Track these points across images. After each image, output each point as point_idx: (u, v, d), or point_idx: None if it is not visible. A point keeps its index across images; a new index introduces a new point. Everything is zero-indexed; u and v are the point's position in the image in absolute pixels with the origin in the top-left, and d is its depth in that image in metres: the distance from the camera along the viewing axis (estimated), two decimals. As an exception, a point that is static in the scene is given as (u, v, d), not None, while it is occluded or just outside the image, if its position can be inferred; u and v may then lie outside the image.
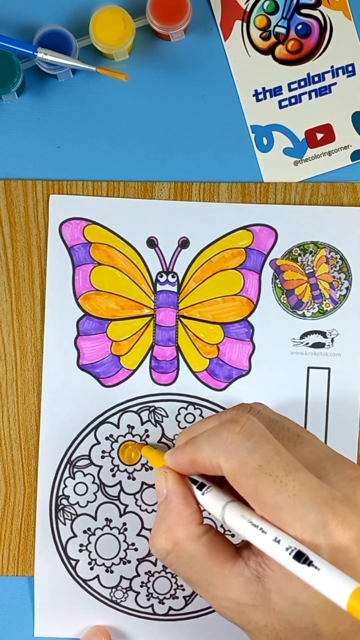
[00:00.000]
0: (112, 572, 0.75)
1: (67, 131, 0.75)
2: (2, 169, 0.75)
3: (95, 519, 0.75)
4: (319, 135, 0.75)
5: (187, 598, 0.75)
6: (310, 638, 0.52)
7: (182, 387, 0.75)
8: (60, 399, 0.74)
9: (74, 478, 0.75)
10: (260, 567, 0.53)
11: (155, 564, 0.75)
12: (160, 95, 0.75)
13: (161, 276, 0.75)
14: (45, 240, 0.74)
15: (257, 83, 0.75)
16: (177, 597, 0.75)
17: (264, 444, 0.53)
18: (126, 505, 0.75)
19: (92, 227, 0.75)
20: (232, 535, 0.71)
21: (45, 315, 0.74)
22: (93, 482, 0.75)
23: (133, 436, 0.75)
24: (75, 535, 0.75)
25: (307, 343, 0.75)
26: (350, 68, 0.75)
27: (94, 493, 0.75)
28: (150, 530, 0.75)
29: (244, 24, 0.74)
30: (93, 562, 0.75)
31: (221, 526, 0.74)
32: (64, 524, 0.75)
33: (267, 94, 0.75)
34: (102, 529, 0.75)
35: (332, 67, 0.75)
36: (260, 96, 0.75)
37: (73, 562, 0.75)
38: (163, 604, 0.75)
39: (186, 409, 0.75)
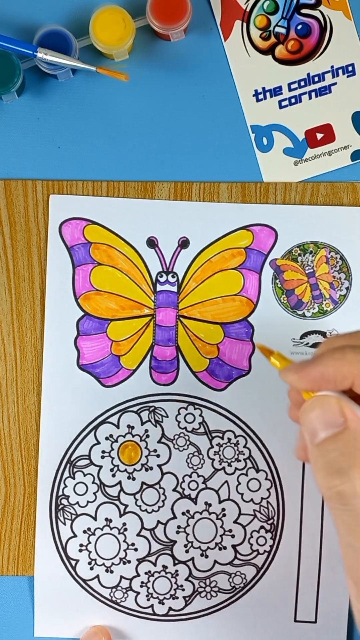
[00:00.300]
0: (112, 572, 0.75)
1: (67, 131, 0.75)
2: (2, 169, 0.75)
3: (95, 519, 0.75)
4: (319, 135, 0.75)
5: (187, 598, 0.75)
6: None
7: (182, 387, 0.75)
8: (60, 399, 0.74)
9: (73, 478, 0.75)
10: None
11: (155, 564, 0.75)
12: (160, 95, 0.75)
13: (161, 276, 0.75)
14: (45, 240, 0.74)
15: (257, 83, 0.75)
16: (177, 597, 0.75)
17: None
18: (126, 505, 0.75)
19: (92, 227, 0.75)
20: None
21: (45, 315, 0.74)
22: (93, 482, 0.75)
23: (133, 436, 0.75)
24: (75, 535, 0.75)
25: (307, 343, 0.75)
26: (350, 68, 0.75)
27: (94, 493, 0.75)
28: (150, 530, 0.75)
29: (244, 24, 0.74)
30: (93, 562, 0.75)
31: None
32: (64, 523, 0.75)
33: (267, 94, 0.75)
34: (102, 529, 0.75)
35: (332, 67, 0.75)
36: (260, 96, 0.75)
37: (73, 562, 0.75)
38: (163, 604, 0.75)
39: (186, 409, 0.75)
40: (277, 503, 0.75)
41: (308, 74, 0.75)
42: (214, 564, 0.75)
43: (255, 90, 0.75)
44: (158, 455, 0.75)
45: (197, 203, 0.74)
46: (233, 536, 0.74)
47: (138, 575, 0.75)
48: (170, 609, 0.75)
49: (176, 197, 0.74)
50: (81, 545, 0.75)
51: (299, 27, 0.75)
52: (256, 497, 0.75)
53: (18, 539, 0.75)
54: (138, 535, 0.75)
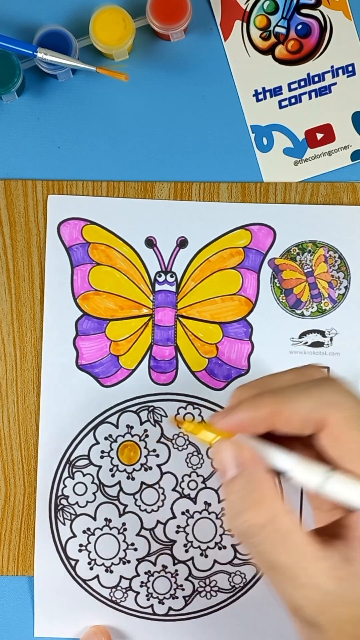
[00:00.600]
0: (111, 572, 0.75)
1: (67, 131, 0.75)
2: (2, 169, 0.75)
3: (94, 519, 0.75)
4: (319, 135, 0.75)
5: (187, 598, 0.75)
6: None
7: (181, 387, 0.75)
8: (60, 399, 0.74)
9: (73, 478, 0.75)
10: (350, 550, 0.50)
11: (155, 564, 0.75)
12: (160, 95, 0.75)
13: (160, 276, 0.75)
14: (45, 241, 0.74)
15: (257, 83, 0.75)
16: (177, 597, 0.75)
17: None
18: (125, 505, 0.75)
19: (91, 227, 0.75)
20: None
21: (44, 315, 0.74)
22: (92, 482, 0.75)
23: (132, 436, 0.75)
24: (74, 535, 0.75)
25: (306, 342, 0.75)
26: (350, 68, 0.75)
27: (94, 493, 0.75)
28: (150, 530, 0.75)
29: (244, 24, 0.74)
30: (93, 562, 0.75)
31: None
32: (64, 524, 0.75)
33: (267, 94, 0.75)
34: (101, 529, 0.75)
35: (332, 67, 0.75)
36: (260, 96, 0.75)
37: (73, 562, 0.75)
38: (163, 604, 0.75)
39: (185, 408, 0.75)
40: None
41: (308, 74, 0.75)
42: (213, 564, 0.75)
43: (255, 90, 0.75)
44: (157, 455, 0.75)
45: (195, 203, 0.74)
46: (233, 535, 0.74)
47: (138, 575, 0.75)
48: (170, 608, 0.75)
49: (176, 197, 0.74)
50: (81, 545, 0.75)
51: (299, 27, 0.75)
52: (256, 497, 0.75)
53: (18, 539, 0.75)
54: (138, 535, 0.75)
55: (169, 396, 0.75)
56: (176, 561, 0.75)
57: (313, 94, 0.75)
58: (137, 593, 0.75)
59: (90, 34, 0.72)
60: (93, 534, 0.75)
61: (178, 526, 0.75)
